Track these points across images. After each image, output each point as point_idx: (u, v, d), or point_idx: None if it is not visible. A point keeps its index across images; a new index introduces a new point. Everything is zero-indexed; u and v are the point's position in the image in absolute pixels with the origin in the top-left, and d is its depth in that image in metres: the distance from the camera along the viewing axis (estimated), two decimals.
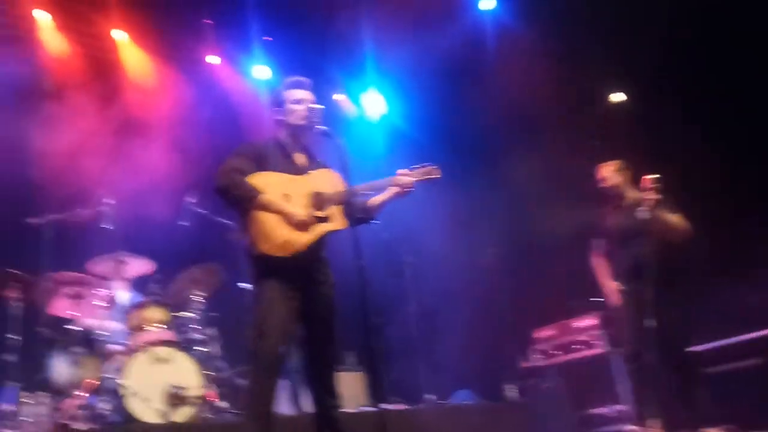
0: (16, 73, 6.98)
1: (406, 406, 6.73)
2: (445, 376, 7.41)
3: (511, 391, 7.24)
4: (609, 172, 5.85)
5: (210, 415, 5.53)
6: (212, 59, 9.00)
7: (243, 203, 3.80)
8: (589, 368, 6.69)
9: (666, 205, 5.38)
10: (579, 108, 8.75)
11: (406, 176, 4.01)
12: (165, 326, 5.85)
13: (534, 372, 7.21)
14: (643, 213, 5.33)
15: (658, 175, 5.30)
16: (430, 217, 7.56)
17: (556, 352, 7.07)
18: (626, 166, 5.85)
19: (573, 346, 6.89)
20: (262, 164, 3.92)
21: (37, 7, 7.68)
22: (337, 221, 3.91)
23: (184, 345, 5.74)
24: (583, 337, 6.84)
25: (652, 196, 5.26)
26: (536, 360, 7.27)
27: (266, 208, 3.79)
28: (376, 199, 4.12)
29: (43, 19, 7.76)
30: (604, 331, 6.71)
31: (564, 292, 7.32)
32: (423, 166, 4.09)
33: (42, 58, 7.64)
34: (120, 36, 8.31)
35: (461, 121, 8.70)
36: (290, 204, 3.83)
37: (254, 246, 3.79)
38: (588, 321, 6.84)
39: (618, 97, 9.00)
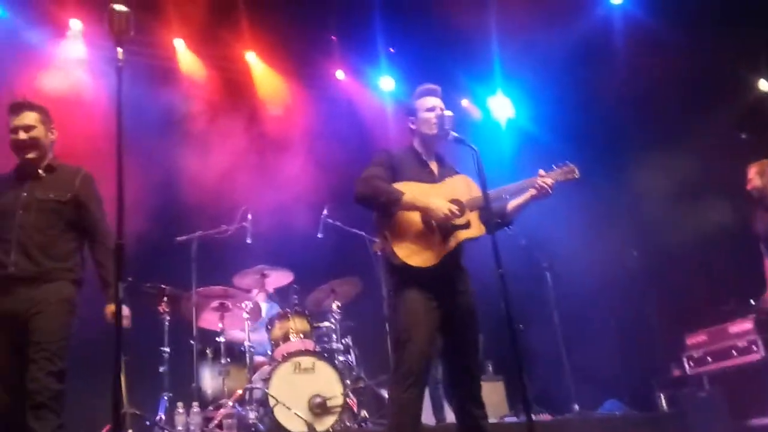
0: (160, 99, 7.41)
1: (552, 417, 6.56)
2: (592, 385, 7.13)
3: (662, 401, 6.89)
4: (753, 174, 5.49)
5: (351, 424, 5.59)
6: (339, 74, 9.19)
7: (387, 207, 3.78)
8: (747, 375, 6.29)
9: None
10: (720, 100, 8.28)
11: (545, 177, 3.92)
12: (306, 336, 6.03)
13: (687, 380, 6.87)
14: None
15: None
16: (567, 220, 7.36)
17: (710, 358, 6.68)
18: None
19: (729, 352, 6.49)
20: (397, 173, 3.92)
21: (175, 36, 8.10)
22: (475, 228, 3.85)
23: (325, 354, 5.84)
24: (739, 343, 6.43)
25: None
26: (689, 367, 6.90)
27: (411, 206, 3.78)
28: (514, 203, 4.03)
29: (181, 46, 8.19)
30: (762, 336, 6.28)
31: (717, 295, 6.91)
32: (561, 166, 3.99)
33: (182, 83, 8.04)
34: (252, 57, 8.64)
35: (592, 120, 8.41)
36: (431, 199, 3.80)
37: (394, 256, 3.77)
38: (744, 325, 6.44)
39: (765, 85, 8.44)
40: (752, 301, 6.15)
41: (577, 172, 3.98)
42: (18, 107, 3.92)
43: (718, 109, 8.08)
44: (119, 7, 2.87)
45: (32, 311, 3.64)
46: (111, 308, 3.70)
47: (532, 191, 3.94)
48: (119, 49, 2.87)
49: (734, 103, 8.17)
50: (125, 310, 3.52)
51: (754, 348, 6.33)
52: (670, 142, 7.72)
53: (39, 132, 3.91)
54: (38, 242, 3.76)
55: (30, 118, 3.90)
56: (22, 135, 3.86)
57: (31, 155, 3.89)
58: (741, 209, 5.81)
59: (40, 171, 3.94)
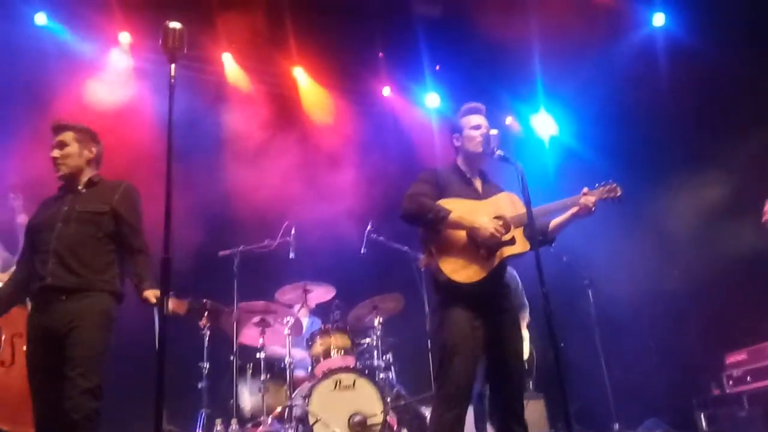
0: (208, 114, 7.52)
1: None
2: (633, 404, 7.04)
3: (702, 420, 6.74)
4: None
5: None
6: (386, 90, 9.24)
7: (434, 224, 3.79)
8: None
9: None
10: (758, 121, 8.15)
11: (588, 195, 3.92)
12: (347, 352, 6.01)
13: (726, 399, 6.72)
14: None
15: None
16: (608, 237, 7.27)
17: (749, 377, 6.51)
18: None
19: None
20: (443, 190, 3.93)
21: (224, 51, 8.23)
22: (520, 244, 3.84)
23: (366, 371, 5.81)
24: None
25: None
26: (728, 386, 6.74)
27: (457, 224, 3.78)
28: (556, 222, 4.03)
29: (229, 61, 8.31)
30: None
31: (757, 314, 6.75)
32: (604, 185, 3.99)
33: (229, 98, 8.15)
34: (299, 72, 8.73)
35: (633, 139, 8.35)
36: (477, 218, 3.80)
37: (440, 273, 3.77)
38: None
39: None
40: None
41: (619, 190, 3.99)
42: (56, 128, 4.04)
43: (756, 129, 7.97)
44: (174, 24, 2.90)
45: (69, 326, 3.63)
46: (153, 292, 3.73)
47: (575, 209, 3.93)
48: (172, 66, 2.89)
49: None
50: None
51: None
52: (710, 162, 7.63)
53: (72, 149, 3.99)
54: (76, 253, 3.78)
55: (65, 136, 4.00)
56: (56, 153, 3.97)
57: (62, 171, 3.97)
58: None
59: (79, 187, 4.01)
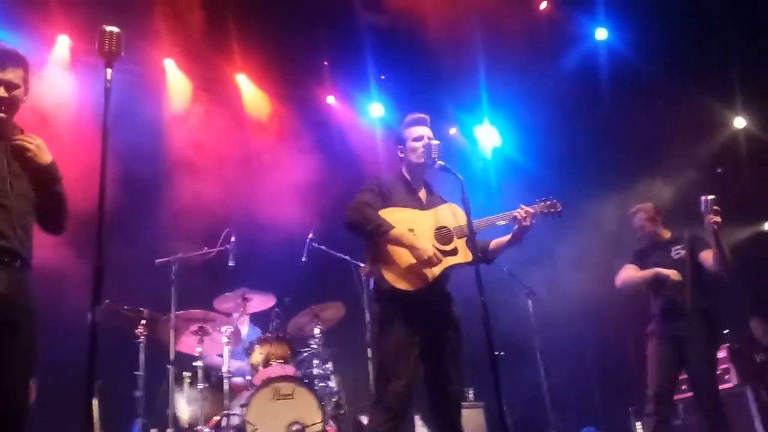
0: (145, 117, 7.40)
1: None
2: (570, 412, 7.18)
3: (638, 429, 6.88)
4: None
5: None
6: (331, 99, 9.23)
7: (375, 237, 3.81)
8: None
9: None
10: (699, 135, 8.45)
11: (528, 210, 3.96)
12: (287, 361, 5.96)
13: None
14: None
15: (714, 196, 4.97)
16: (549, 248, 7.41)
17: (685, 387, 6.67)
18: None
19: None
20: (387, 199, 3.97)
21: (166, 56, 8.10)
22: (462, 254, 3.89)
23: (305, 380, 5.78)
24: None
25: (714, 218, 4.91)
26: None
27: (397, 242, 3.80)
28: (497, 242, 4.10)
29: (171, 66, 8.19)
30: (735, 365, 6.30)
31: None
32: (545, 200, 4.07)
33: (170, 103, 8.03)
34: (242, 79, 8.66)
35: (576, 151, 8.53)
36: (418, 239, 3.82)
37: (383, 281, 3.79)
38: (719, 353, 6.43)
39: (740, 123, 8.66)
40: (725, 331, 6.17)
41: (559, 206, 4.08)
42: (4, 57, 3.25)
43: (696, 143, 8.23)
44: (110, 28, 2.84)
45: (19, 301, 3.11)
46: None
47: (514, 232, 4.01)
48: (108, 70, 2.83)
49: (712, 137, 8.35)
50: None
51: (726, 377, 6.34)
52: (651, 174, 7.83)
53: (20, 93, 3.29)
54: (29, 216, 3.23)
55: (16, 74, 3.27)
56: (2, 92, 3.19)
57: (6, 118, 3.24)
58: None
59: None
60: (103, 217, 2.60)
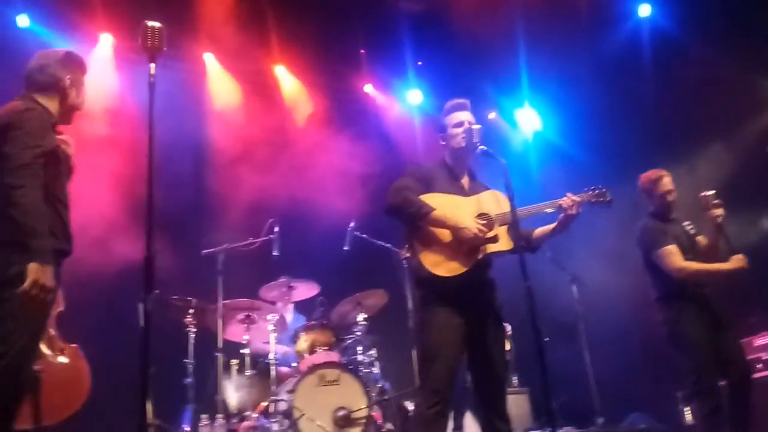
0: (191, 113, 7.51)
1: (577, 430, 6.50)
2: (617, 399, 7.06)
3: (686, 415, 6.79)
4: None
5: None
6: (368, 87, 9.24)
7: (416, 220, 3.79)
8: None
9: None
10: (746, 113, 8.22)
11: (574, 199, 3.89)
12: (331, 348, 6.04)
13: None
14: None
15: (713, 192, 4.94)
16: (593, 233, 7.29)
17: None
18: None
19: (753, 366, 6.36)
20: (429, 186, 3.93)
21: (206, 50, 8.21)
22: (503, 242, 3.84)
23: (350, 366, 5.84)
24: (764, 356, 6.30)
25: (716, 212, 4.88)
26: None
27: (440, 223, 3.78)
28: (542, 230, 4.03)
29: (210, 60, 8.30)
30: None
31: (742, 308, 6.80)
32: (593, 189, 3.98)
33: (213, 98, 8.15)
34: (281, 70, 8.74)
35: (619, 134, 8.36)
36: (460, 218, 3.80)
37: (421, 267, 3.78)
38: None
39: None
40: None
41: (608, 195, 3.99)
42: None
43: (743, 122, 8.02)
44: (153, 24, 2.90)
45: None
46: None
47: (560, 220, 3.95)
48: (152, 65, 2.90)
49: (759, 116, 8.12)
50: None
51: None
52: (696, 156, 7.67)
53: None
54: None
55: None
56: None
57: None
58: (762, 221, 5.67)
59: None
60: (152, 210, 2.67)
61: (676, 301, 5.00)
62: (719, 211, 4.89)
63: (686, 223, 5.22)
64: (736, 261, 4.90)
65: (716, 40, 7.71)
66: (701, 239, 5.18)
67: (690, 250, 5.03)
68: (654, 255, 5.05)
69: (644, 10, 8.56)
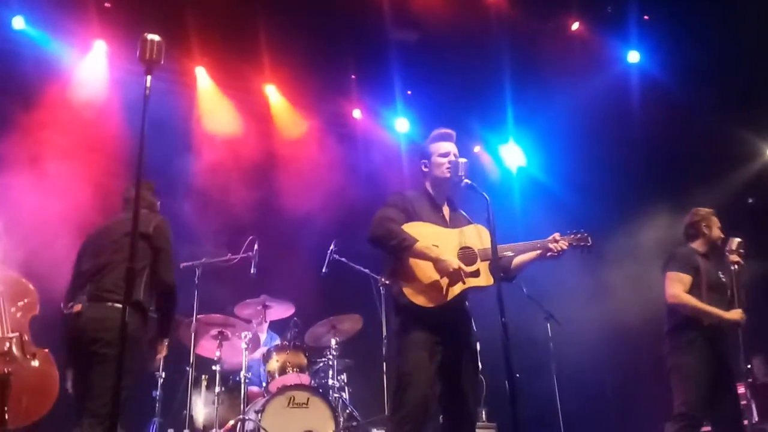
0: (178, 125, 7.52)
1: None
2: None
3: None
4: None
5: None
6: (356, 113, 9.31)
7: (399, 251, 3.81)
8: None
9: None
10: (729, 164, 8.35)
11: (561, 241, 3.97)
12: (302, 370, 6.02)
13: None
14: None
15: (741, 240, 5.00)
16: (569, 272, 7.35)
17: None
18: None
19: None
20: (411, 215, 3.95)
21: (197, 64, 8.24)
22: (484, 277, 3.87)
23: (320, 390, 5.82)
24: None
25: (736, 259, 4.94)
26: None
27: (422, 255, 3.80)
28: (521, 259, 4.06)
29: (202, 75, 8.33)
30: (757, 401, 6.24)
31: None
32: (576, 233, 4.05)
33: (201, 112, 8.16)
34: (271, 89, 8.77)
35: (602, 174, 8.46)
36: (443, 252, 3.82)
37: (401, 295, 3.80)
38: (739, 389, 6.35)
39: None
40: (749, 365, 6.08)
41: (590, 240, 4.06)
42: None
43: (727, 172, 8.14)
44: (152, 36, 2.91)
45: None
46: None
47: (538, 252, 3.99)
48: (148, 78, 2.91)
49: (743, 167, 8.25)
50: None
51: (746, 413, 6.26)
52: (678, 203, 7.75)
53: None
54: None
55: None
56: None
57: None
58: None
59: None
60: (137, 220, 2.67)
61: (688, 332, 4.94)
62: (735, 258, 4.95)
63: (720, 273, 5.15)
64: (733, 314, 4.89)
65: (704, 89, 7.85)
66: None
67: (715, 291, 4.99)
68: (665, 274, 5.10)
69: (633, 57, 8.72)
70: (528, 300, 6.63)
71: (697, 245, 5.21)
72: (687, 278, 4.99)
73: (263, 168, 8.04)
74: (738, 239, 5.01)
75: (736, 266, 4.95)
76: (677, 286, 4.97)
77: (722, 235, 5.23)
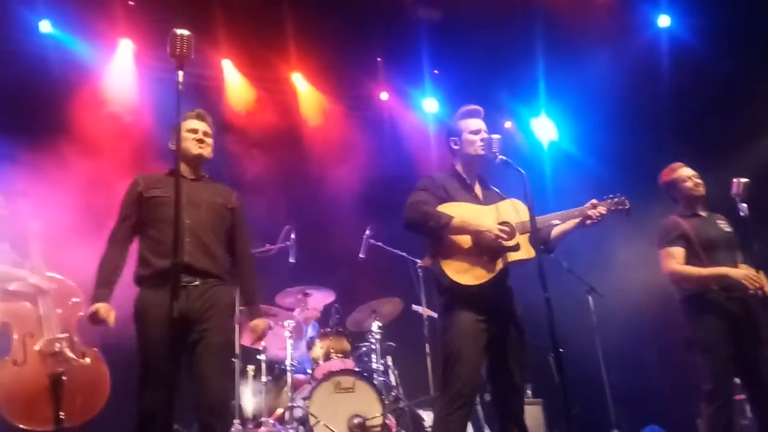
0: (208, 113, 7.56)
1: None
2: (633, 410, 7.01)
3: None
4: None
5: None
6: (384, 95, 9.27)
7: (437, 231, 3.79)
8: None
9: None
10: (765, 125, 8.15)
11: (599, 207, 3.90)
12: (346, 356, 6.06)
13: None
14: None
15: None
16: (608, 243, 7.28)
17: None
18: None
19: None
20: (443, 197, 3.93)
21: (224, 57, 8.27)
22: (524, 250, 3.83)
23: (365, 374, 5.85)
24: None
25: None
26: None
27: (461, 229, 3.78)
28: (560, 229, 3.99)
29: (228, 67, 8.36)
30: None
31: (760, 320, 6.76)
32: (613, 197, 3.98)
33: (228, 102, 8.19)
34: (297, 77, 8.77)
35: (635, 145, 8.31)
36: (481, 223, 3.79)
37: (444, 275, 3.79)
38: None
39: None
40: None
41: (628, 203, 3.98)
42: (201, 115, 4.14)
43: (762, 140, 7.95)
44: (181, 31, 2.92)
45: (206, 313, 3.75)
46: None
47: (578, 220, 3.92)
48: (180, 73, 2.92)
49: None
50: None
51: None
52: (715, 169, 7.61)
53: (210, 140, 4.13)
54: (208, 238, 3.86)
55: (207, 127, 4.13)
56: (204, 135, 4.06)
57: (206, 153, 4.07)
58: None
59: (203, 174, 4.11)
60: (179, 215, 2.70)
61: (697, 303, 4.73)
62: (743, 204, 4.66)
63: (719, 219, 4.93)
64: (738, 271, 4.60)
65: (736, 52, 7.66)
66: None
67: (717, 248, 4.73)
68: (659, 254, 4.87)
69: (664, 21, 8.50)
70: (568, 274, 6.57)
71: (681, 209, 4.98)
72: (678, 250, 4.76)
73: (295, 157, 8.06)
74: (744, 179, 4.67)
75: (742, 213, 4.63)
76: (670, 262, 4.76)
77: (700, 187, 4.97)
